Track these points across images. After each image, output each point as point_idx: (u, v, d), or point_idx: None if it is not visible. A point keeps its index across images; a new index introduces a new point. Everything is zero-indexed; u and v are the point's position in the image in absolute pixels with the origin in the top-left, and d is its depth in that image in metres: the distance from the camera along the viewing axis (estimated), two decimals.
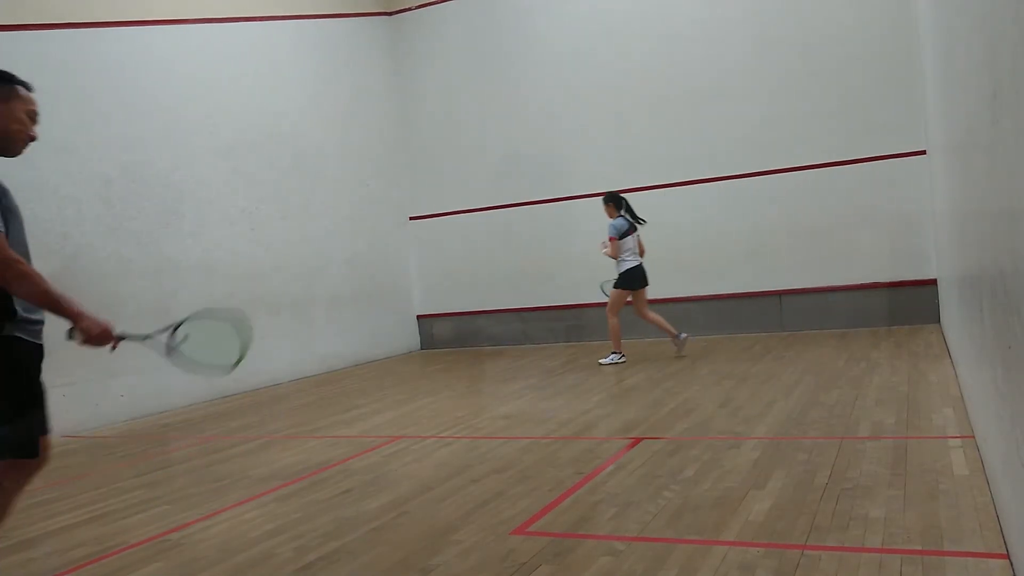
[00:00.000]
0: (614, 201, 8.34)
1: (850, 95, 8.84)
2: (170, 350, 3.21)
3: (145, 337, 3.15)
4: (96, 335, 2.81)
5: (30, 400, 2.86)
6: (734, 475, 3.94)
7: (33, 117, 3.08)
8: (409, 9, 11.54)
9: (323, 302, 9.95)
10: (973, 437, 4.07)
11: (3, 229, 2.78)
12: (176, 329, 3.27)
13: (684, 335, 8.26)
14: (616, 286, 8.23)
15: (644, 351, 8.88)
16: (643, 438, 4.91)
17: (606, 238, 8.18)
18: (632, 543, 3.18)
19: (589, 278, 10.22)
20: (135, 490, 4.98)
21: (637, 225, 8.30)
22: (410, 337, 11.54)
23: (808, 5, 9.07)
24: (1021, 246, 1.93)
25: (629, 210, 8.33)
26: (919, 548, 2.82)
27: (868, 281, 8.86)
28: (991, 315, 2.79)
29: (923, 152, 8.35)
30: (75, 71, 7.74)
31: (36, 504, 4.87)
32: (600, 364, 8.21)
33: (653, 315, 8.28)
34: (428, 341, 11.43)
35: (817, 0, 9.02)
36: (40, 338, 2.90)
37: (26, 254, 2.89)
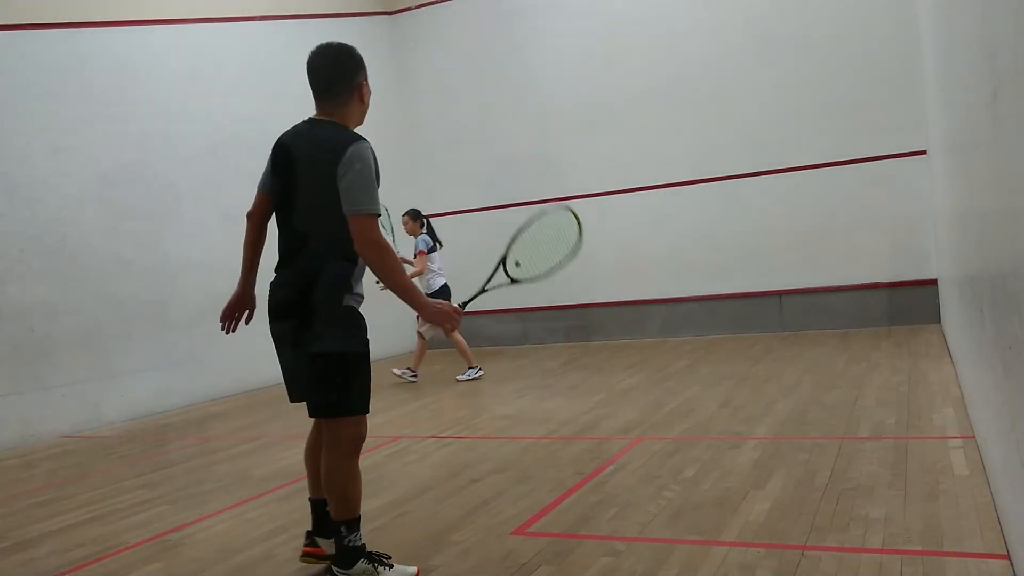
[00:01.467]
0: (419, 218, 8.24)
1: (850, 95, 8.83)
2: (513, 281, 3.36)
3: (482, 291, 3.28)
4: (443, 319, 2.98)
5: (368, 371, 3.03)
6: (734, 475, 3.93)
7: None
8: (409, 9, 11.54)
9: None
10: (973, 437, 4.07)
11: (380, 212, 2.92)
12: (504, 266, 3.39)
13: (478, 372, 8.19)
14: None
15: (645, 351, 8.88)
16: (643, 438, 4.91)
17: (413, 253, 8.08)
18: (632, 543, 3.18)
19: (589, 278, 10.23)
20: (135, 490, 4.98)
21: (439, 244, 8.28)
22: (409, 337, 11.53)
23: (808, 5, 9.06)
24: (1021, 246, 1.93)
25: (430, 228, 8.27)
26: (919, 548, 2.82)
27: (868, 281, 8.86)
28: (991, 315, 2.79)
29: (923, 152, 8.34)
30: (75, 71, 7.74)
31: (36, 504, 4.87)
32: (458, 380, 8.11)
33: (459, 336, 8.08)
34: (428, 341, 11.40)
35: (817, 0, 9.02)
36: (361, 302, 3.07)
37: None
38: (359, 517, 3.02)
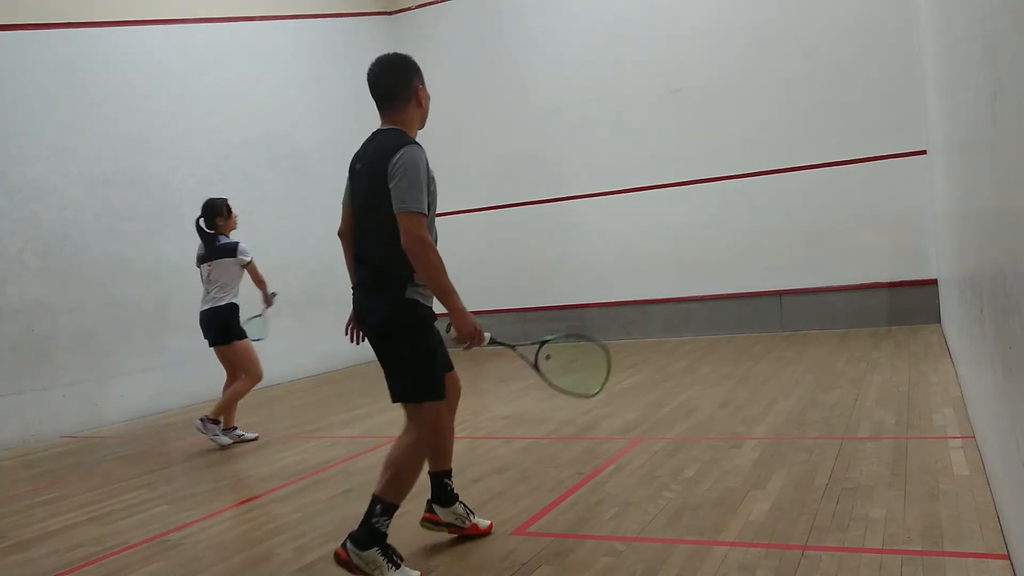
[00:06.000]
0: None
1: (850, 95, 8.83)
2: (535, 365, 3.37)
3: (512, 346, 3.31)
4: (469, 333, 3.01)
5: (431, 352, 3.11)
6: (734, 475, 3.93)
7: None
8: (409, 9, 11.54)
9: (323, 302, 9.94)
10: (973, 437, 4.07)
11: (425, 211, 2.99)
12: (542, 346, 3.41)
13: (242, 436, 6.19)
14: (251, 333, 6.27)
15: (645, 351, 8.88)
16: (643, 438, 4.91)
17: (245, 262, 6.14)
18: (632, 543, 3.18)
19: (589, 278, 10.24)
20: (135, 490, 4.98)
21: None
22: None
23: (808, 5, 9.06)
24: (1021, 246, 1.93)
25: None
26: (919, 548, 2.82)
27: (868, 281, 8.85)
28: (991, 315, 2.79)
29: (923, 152, 8.34)
30: (75, 71, 7.74)
31: (36, 504, 4.87)
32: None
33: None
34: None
35: (818, 0, 9.01)
36: (431, 302, 3.14)
37: (435, 236, 3.13)
38: (398, 505, 3.06)
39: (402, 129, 3.14)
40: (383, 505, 3.02)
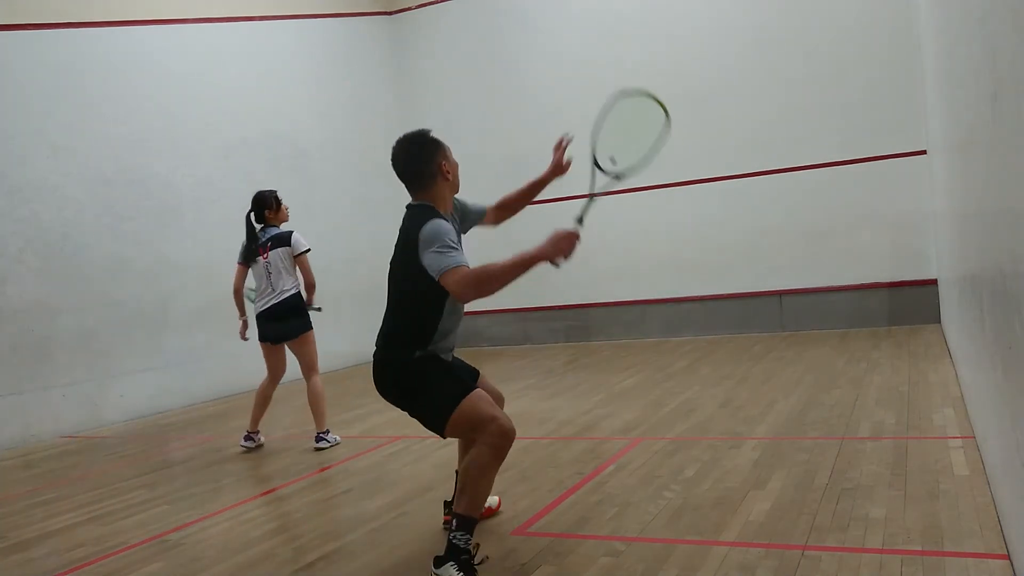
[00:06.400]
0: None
1: (850, 95, 8.83)
2: (619, 177, 3.40)
3: (591, 199, 3.34)
4: (566, 247, 3.03)
5: (452, 380, 3.16)
6: (734, 475, 3.93)
7: None
8: (409, 9, 11.54)
9: (323, 302, 9.93)
10: (973, 437, 4.07)
11: (463, 261, 3.02)
12: (599, 167, 3.43)
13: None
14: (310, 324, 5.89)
15: (645, 351, 8.88)
16: (643, 438, 4.91)
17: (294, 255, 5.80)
18: (632, 543, 3.18)
19: (589, 278, 10.23)
20: (135, 490, 4.98)
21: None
22: None
23: (808, 5, 9.06)
24: (1021, 246, 1.93)
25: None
26: (919, 548, 2.82)
27: (868, 281, 8.85)
28: (991, 315, 2.79)
29: (923, 152, 8.34)
30: (75, 71, 7.74)
31: (36, 504, 4.87)
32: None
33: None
34: None
35: (818, 1, 9.01)
36: (449, 355, 3.28)
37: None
38: (476, 520, 3.03)
39: (430, 204, 3.22)
40: (459, 519, 2.98)
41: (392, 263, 3.29)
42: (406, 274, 3.12)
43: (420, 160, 3.24)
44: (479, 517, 3.05)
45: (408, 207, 3.29)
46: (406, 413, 3.22)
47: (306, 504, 4.27)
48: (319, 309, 5.93)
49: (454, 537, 2.96)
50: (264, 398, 5.89)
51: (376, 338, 3.29)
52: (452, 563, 2.92)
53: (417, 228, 3.07)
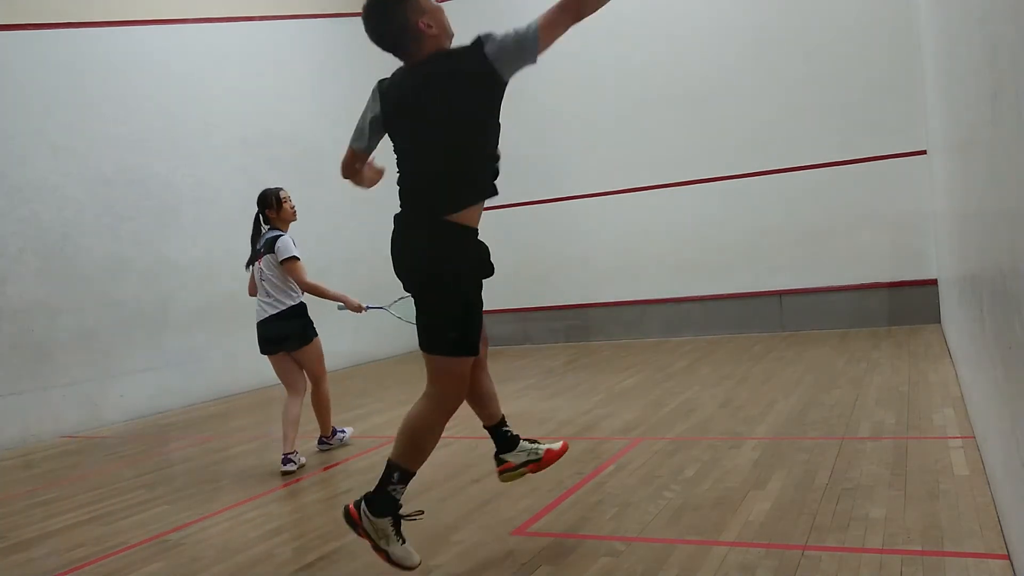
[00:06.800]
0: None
1: (850, 95, 8.83)
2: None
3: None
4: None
5: (474, 321, 3.29)
6: (734, 475, 3.93)
7: None
8: None
9: (323, 302, 9.93)
10: (973, 437, 4.07)
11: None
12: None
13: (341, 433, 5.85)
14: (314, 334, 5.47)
15: (645, 351, 8.88)
16: (643, 438, 4.91)
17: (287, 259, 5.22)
18: (632, 543, 3.18)
19: (589, 278, 10.24)
20: (135, 490, 4.98)
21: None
22: (410, 337, 11.54)
23: (808, 5, 9.06)
24: (1021, 246, 1.93)
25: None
26: (919, 548, 2.82)
27: (868, 281, 8.85)
28: (991, 315, 2.79)
29: (923, 152, 8.34)
30: (75, 71, 7.73)
31: (36, 504, 4.87)
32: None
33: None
34: None
35: (818, 1, 9.01)
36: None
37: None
38: (414, 473, 3.01)
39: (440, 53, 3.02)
40: (400, 472, 2.95)
41: (413, 138, 3.12)
42: (452, 121, 2.96)
43: (391, 23, 2.98)
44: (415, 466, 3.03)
45: (406, 70, 3.08)
46: (411, 297, 3.17)
47: (306, 504, 4.27)
48: (359, 308, 5.44)
49: (393, 490, 2.93)
50: (291, 416, 5.29)
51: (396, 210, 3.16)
52: (390, 518, 2.91)
53: (467, 54, 2.92)
